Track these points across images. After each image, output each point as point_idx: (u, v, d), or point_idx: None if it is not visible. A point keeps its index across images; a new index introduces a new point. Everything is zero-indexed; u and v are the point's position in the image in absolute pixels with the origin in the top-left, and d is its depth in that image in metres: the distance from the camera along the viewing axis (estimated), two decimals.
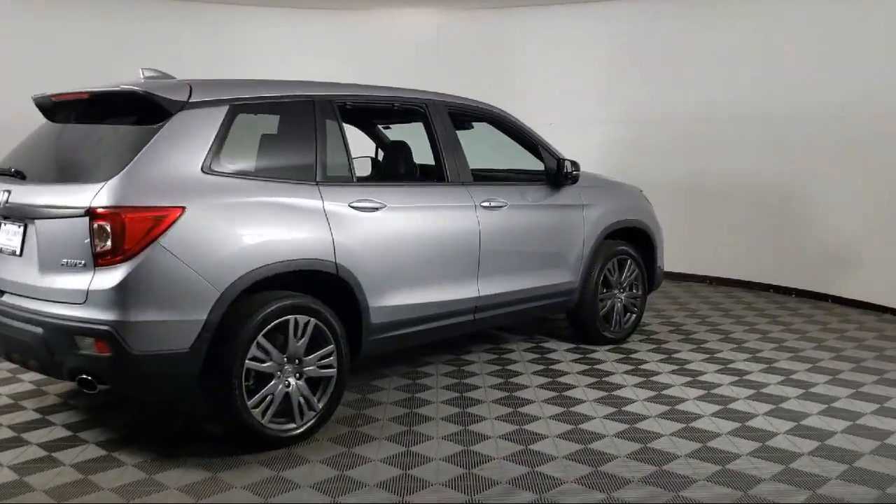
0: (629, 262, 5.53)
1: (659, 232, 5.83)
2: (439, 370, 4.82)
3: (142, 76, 3.91)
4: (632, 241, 5.64)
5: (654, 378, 4.68)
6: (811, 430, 3.85)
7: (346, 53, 8.71)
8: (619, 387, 4.51)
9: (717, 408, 4.16)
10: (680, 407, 4.18)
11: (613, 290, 5.46)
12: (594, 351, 5.31)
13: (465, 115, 4.86)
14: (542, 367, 4.92)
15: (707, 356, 5.16)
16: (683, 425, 3.91)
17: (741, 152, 7.67)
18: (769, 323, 6.14)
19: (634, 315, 5.60)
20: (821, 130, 6.91)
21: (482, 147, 5.61)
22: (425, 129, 4.50)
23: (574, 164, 4.98)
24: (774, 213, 7.37)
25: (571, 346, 5.43)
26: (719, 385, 4.54)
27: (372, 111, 4.99)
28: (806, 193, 7.10)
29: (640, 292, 5.63)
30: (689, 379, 4.66)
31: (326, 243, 3.72)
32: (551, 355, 5.19)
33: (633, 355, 5.21)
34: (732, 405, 4.20)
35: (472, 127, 5.26)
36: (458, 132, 5.20)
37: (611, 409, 4.14)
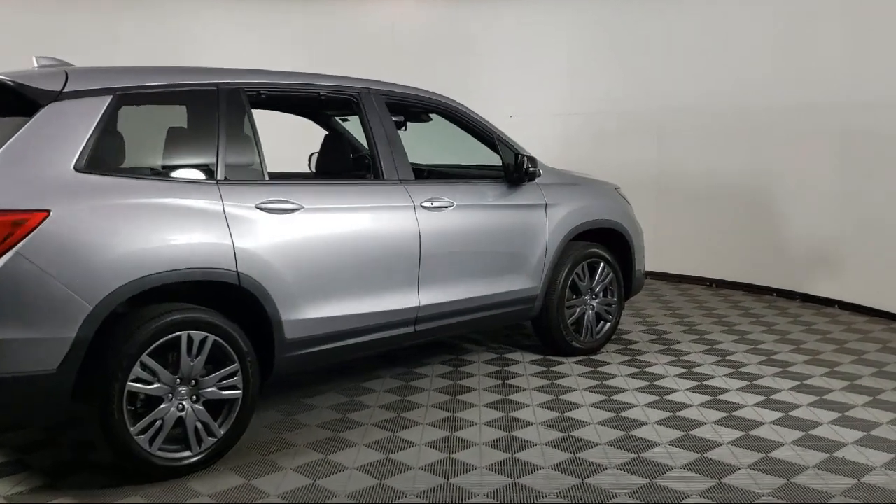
0: (602, 265, 5.06)
1: (637, 233, 5.35)
2: (385, 385, 4.42)
3: (35, 65, 3.55)
4: (606, 243, 5.17)
5: (617, 396, 4.21)
6: (779, 462, 3.36)
7: (301, 44, 8.33)
8: (575, 406, 4.06)
9: (678, 434, 3.69)
10: (636, 433, 3.71)
11: (584, 297, 5.00)
12: (560, 363, 4.85)
13: (407, 105, 4.42)
14: (497, 382, 4.48)
15: (683, 370, 4.67)
16: (634, 455, 3.45)
17: (720, 146, 7.16)
18: (764, 332, 5.62)
19: (609, 323, 5.14)
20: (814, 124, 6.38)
21: (439, 141, 5.20)
22: (360, 120, 4.08)
23: (531, 159, 4.52)
24: (765, 210, 6.82)
25: (537, 357, 4.98)
26: (687, 406, 4.06)
27: (293, 100, 4.57)
28: (805, 188, 6.55)
29: (615, 298, 5.16)
30: (655, 398, 4.18)
31: (225, 250, 3.32)
32: (512, 367, 4.75)
33: (602, 368, 4.74)
34: (696, 431, 3.73)
35: (430, 119, 4.83)
36: (413, 125, 4.83)
37: (557, 435, 3.69)
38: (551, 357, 4.98)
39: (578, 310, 4.97)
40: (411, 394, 4.27)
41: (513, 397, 4.22)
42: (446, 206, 4.18)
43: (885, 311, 5.99)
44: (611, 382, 4.47)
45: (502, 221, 4.49)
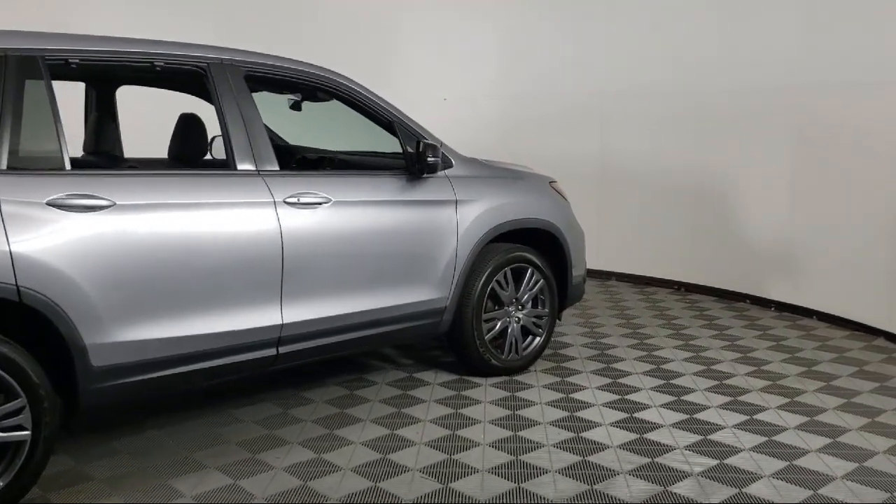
0: (530, 272, 4.35)
1: (574, 234, 4.63)
2: (257, 414, 3.75)
3: None
4: (536, 246, 4.46)
5: (525, 432, 3.52)
6: None
7: (219, 22, 7.53)
8: (472, 445, 3.37)
9: (580, 488, 2.99)
10: (538, 481, 3.02)
11: (507, 308, 4.30)
12: (473, 386, 4.16)
13: (275, 80, 3.71)
14: (392, 409, 3.80)
15: (615, 398, 3.97)
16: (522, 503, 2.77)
17: (668, 133, 6.45)
18: (724, 348, 4.90)
19: (539, 338, 4.44)
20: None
21: (349, 125, 4.50)
22: (211, 97, 3.37)
23: (432, 147, 3.80)
24: (726, 205, 6.09)
25: (452, 378, 4.29)
26: (605, 448, 3.37)
27: (120, 72, 3.84)
28: (765, 180, 5.80)
29: (546, 309, 4.45)
30: (569, 436, 3.49)
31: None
32: (417, 391, 4.06)
33: (521, 393, 4.04)
34: (612, 483, 3.03)
35: (327, 99, 4.12)
36: (309, 103, 4.15)
37: (435, 486, 3.01)
38: (467, 378, 4.28)
39: (500, 323, 4.28)
40: (283, 425, 3.59)
41: (400, 432, 3.53)
42: (320, 203, 3.48)
43: (866, 325, 5.25)
44: (524, 413, 3.77)
45: (397, 221, 3.79)
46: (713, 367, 4.50)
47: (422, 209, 3.88)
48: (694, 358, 4.67)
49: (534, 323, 4.41)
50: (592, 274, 7.05)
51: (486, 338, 4.19)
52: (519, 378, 4.29)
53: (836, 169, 5.39)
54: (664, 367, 4.50)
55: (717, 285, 6.36)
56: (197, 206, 3.13)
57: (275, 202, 3.33)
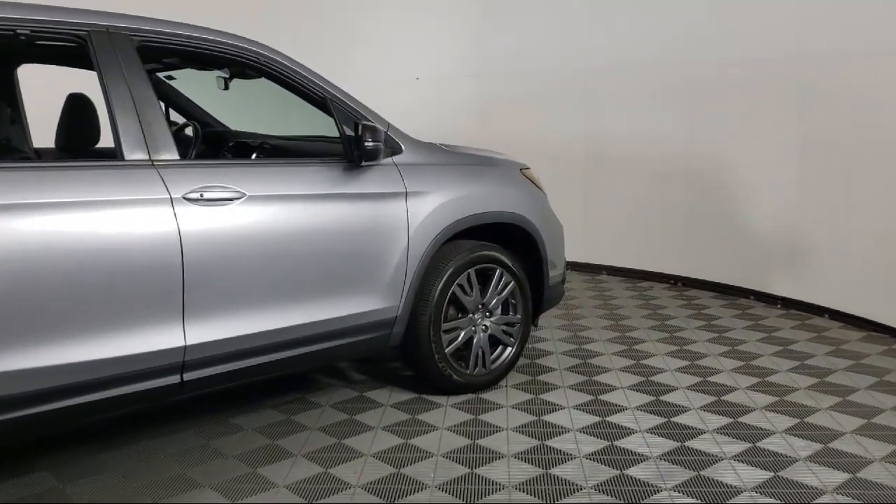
0: (499, 273, 3.77)
1: (551, 228, 4.04)
2: (181, 443, 3.18)
3: None
4: (505, 243, 3.88)
5: (484, 469, 2.95)
6: None
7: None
8: (418, 487, 2.80)
9: None
10: None
11: (471, 315, 3.72)
12: (433, 407, 3.59)
13: (178, 52, 3.11)
14: (332, 440, 3.23)
15: (595, 420, 3.39)
16: None
17: (660, 112, 5.88)
18: (723, 354, 4.31)
19: (511, 349, 3.86)
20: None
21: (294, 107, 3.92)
22: (96, 73, 2.78)
23: (371, 129, 3.20)
24: (725, 190, 5.49)
25: (409, 397, 3.72)
26: (578, 489, 2.79)
27: None
28: (767, 164, 5.20)
29: (518, 315, 3.88)
30: (537, 473, 2.92)
31: None
32: (365, 415, 3.49)
33: (487, 415, 3.47)
34: None
35: (255, 75, 3.52)
36: (237, 80, 3.58)
37: None
38: (427, 396, 3.71)
39: (463, 333, 3.70)
40: (201, 462, 3.02)
41: (336, 471, 2.96)
42: (231, 199, 2.90)
43: (885, 325, 4.66)
44: (486, 442, 3.20)
45: (331, 219, 3.19)
46: (710, 378, 3.92)
47: (362, 203, 3.29)
48: (689, 368, 4.09)
49: (504, 331, 3.84)
50: (580, 268, 6.46)
51: (446, 351, 3.61)
52: (486, 396, 3.71)
53: (851, 147, 4.78)
54: (654, 378, 3.92)
55: (716, 279, 5.76)
56: (71, 206, 2.55)
57: (171, 198, 2.74)
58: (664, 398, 3.66)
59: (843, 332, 4.74)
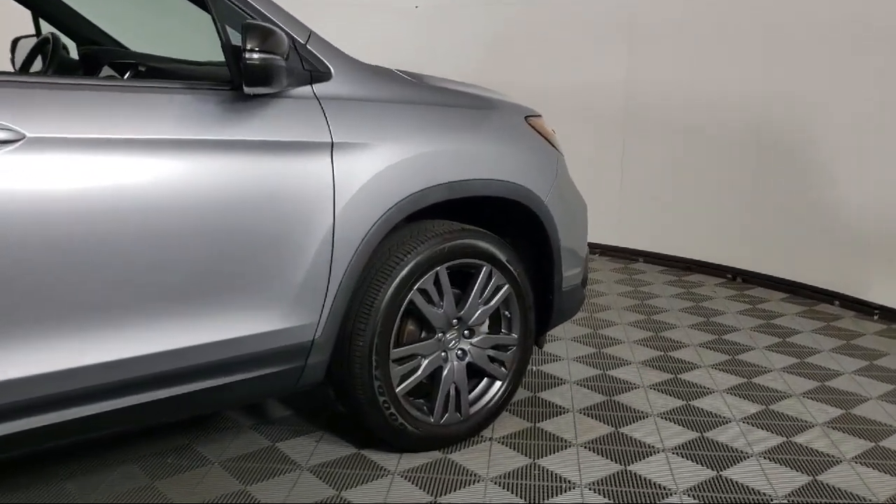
0: (486, 272, 2.50)
1: (568, 207, 2.75)
2: None
3: None
4: (498, 227, 2.61)
5: None
6: None
7: None
8: None
9: None
10: None
11: (439, 335, 2.47)
12: (374, 475, 2.35)
13: None
14: None
15: None
16: None
17: (723, 57, 4.45)
18: (813, 395, 3.01)
19: (500, 383, 2.61)
20: None
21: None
22: None
23: (262, 33, 1.89)
24: (807, 162, 4.12)
25: (343, 452, 2.49)
26: None
27: None
28: (866, 128, 3.84)
29: (514, 334, 2.62)
30: None
31: None
32: (267, 485, 2.27)
33: (455, 497, 2.23)
34: None
35: None
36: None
37: None
38: (369, 453, 2.48)
39: (427, 361, 2.45)
40: None
41: None
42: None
43: None
44: None
45: (192, 183, 1.92)
46: (795, 438, 2.63)
47: (251, 158, 2.00)
48: (763, 418, 2.80)
49: (491, 358, 2.59)
50: (611, 253, 5.17)
51: (398, 390, 2.37)
52: (459, 457, 2.47)
53: None
54: (713, 436, 2.64)
55: (788, 276, 4.42)
56: None
57: None
58: (729, 474, 2.39)
59: None
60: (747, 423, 2.74)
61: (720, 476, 2.37)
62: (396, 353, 2.36)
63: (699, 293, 4.41)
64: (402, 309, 2.33)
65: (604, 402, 2.89)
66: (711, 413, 2.82)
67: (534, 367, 3.17)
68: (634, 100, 4.97)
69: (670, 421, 2.74)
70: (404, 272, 2.31)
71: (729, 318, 3.94)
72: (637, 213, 5.05)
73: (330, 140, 2.13)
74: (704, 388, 3.05)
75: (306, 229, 2.09)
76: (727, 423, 2.74)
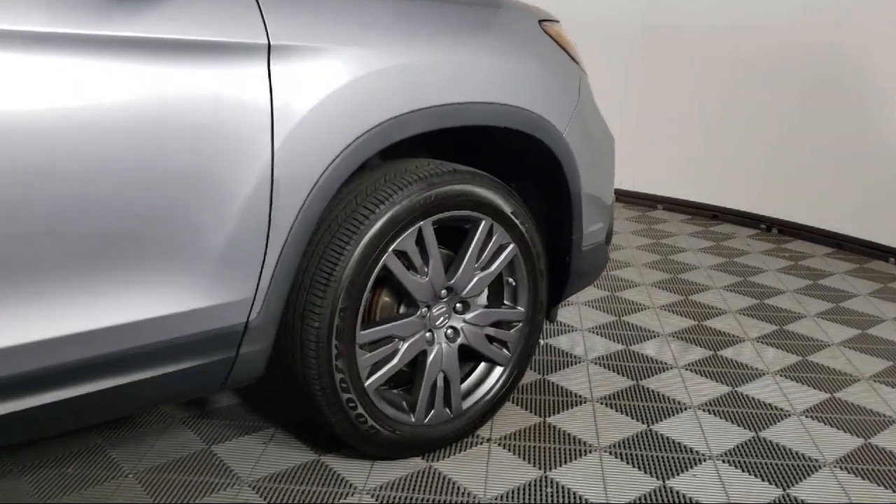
0: (485, 228, 1.90)
1: (592, 143, 2.13)
2: None
3: None
4: (501, 169, 2.00)
5: None
6: None
7: None
8: None
9: None
10: None
11: (423, 310, 1.88)
12: (339, 495, 1.79)
13: None
14: None
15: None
16: None
17: None
18: (881, 378, 2.45)
19: (502, 369, 2.03)
20: None
21: None
22: None
23: None
24: (842, 91, 3.49)
25: (303, 459, 1.93)
26: None
27: None
28: None
29: (520, 308, 2.03)
30: None
31: None
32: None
33: None
34: None
35: None
36: None
37: None
38: (332, 461, 1.92)
39: (406, 345, 1.86)
40: None
41: None
42: None
43: None
44: None
45: (66, 98, 1.29)
46: (874, 441, 2.07)
47: (149, 65, 1.38)
48: (817, 400, 2.24)
49: (490, 338, 2.00)
50: (625, 199, 4.57)
51: (368, 384, 1.79)
52: (446, 465, 1.91)
53: None
54: (767, 436, 2.08)
55: (833, 228, 3.83)
56: None
57: None
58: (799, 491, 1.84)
59: None
60: (808, 416, 2.18)
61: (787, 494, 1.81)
62: (365, 335, 1.77)
63: (731, 247, 3.81)
64: (373, 277, 1.73)
65: (630, 389, 2.32)
66: (767, 404, 2.25)
67: (541, 341, 2.60)
68: (654, 17, 4.29)
69: (713, 415, 2.18)
70: (376, 228, 1.70)
71: (769, 278, 3.36)
72: (656, 152, 4.42)
73: (266, 41, 1.50)
74: (754, 369, 2.48)
75: (231, 170, 1.48)
76: (786, 417, 2.18)
